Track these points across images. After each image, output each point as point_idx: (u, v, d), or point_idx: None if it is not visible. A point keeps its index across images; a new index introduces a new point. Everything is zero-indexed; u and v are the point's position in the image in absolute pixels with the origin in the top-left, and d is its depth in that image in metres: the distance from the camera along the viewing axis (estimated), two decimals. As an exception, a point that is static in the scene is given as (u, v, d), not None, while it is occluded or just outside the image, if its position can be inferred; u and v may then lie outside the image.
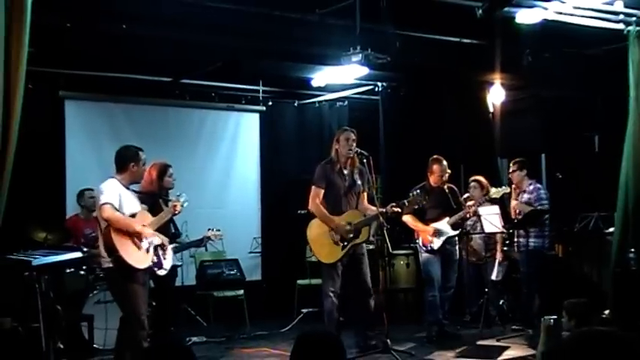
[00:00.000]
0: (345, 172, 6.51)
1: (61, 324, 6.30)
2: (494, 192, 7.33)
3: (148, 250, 5.38)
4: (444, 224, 7.12)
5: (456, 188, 7.42)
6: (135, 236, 5.27)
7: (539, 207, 7.40)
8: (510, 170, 7.67)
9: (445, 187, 7.21)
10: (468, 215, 7.23)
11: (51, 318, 5.70)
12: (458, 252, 7.33)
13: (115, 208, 5.19)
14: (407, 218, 7.15)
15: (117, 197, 5.24)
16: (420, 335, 7.19)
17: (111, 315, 6.42)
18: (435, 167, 7.15)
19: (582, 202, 8.25)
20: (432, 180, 7.17)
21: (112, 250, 5.15)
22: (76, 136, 8.21)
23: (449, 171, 7.20)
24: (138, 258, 5.26)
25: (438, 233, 7.08)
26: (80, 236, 7.16)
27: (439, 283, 7.10)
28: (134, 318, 5.23)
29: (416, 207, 6.87)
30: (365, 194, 6.61)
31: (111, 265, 5.25)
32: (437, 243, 7.08)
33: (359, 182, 6.54)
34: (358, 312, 6.58)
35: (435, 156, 7.24)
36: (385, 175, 9.02)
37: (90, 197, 7.24)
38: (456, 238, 7.27)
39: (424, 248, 7.16)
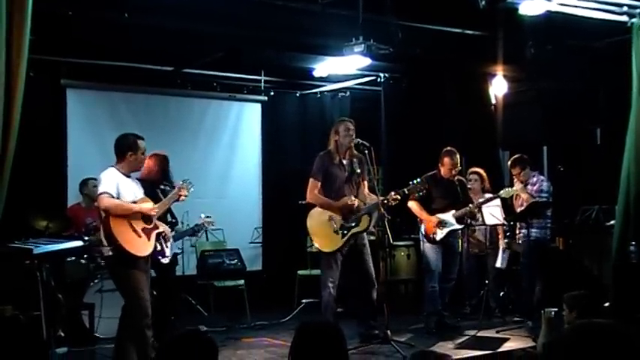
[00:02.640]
0: (345, 162, 6.50)
1: (61, 312, 6.34)
2: (504, 192, 7.32)
3: (149, 238, 5.38)
4: (449, 216, 7.09)
5: (465, 182, 7.39)
6: (135, 220, 5.27)
7: (537, 198, 7.41)
8: (515, 173, 7.65)
9: (455, 179, 7.18)
10: (471, 212, 7.20)
11: (52, 306, 5.72)
12: (460, 244, 7.31)
13: (113, 197, 5.20)
14: (412, 204, 7.11)
15: (114, 186, 5.25)
16: (420, 326, 7.20)
17: (112, 303, 6.43)
18: (446, 160, 7.12)
19: (583, 194, 8.24)
20: (443, 172, 7.15)
21: (111, 240, 5.16)
22: (78, 125, 8.21)
23: (459, 167, 7.18)
24: (138, 246, 5.27)
25: (442, 224, 7.06)
26: (81, 225, 7.16)
27: (439, 274, 7.09)
28: (136, 306, 5.24)
29: (416, 195, 6.85)
30: (365, 182, 6.60)
31: (109, 255, 5.25)
32: (440, 234, 7.06)
33: (358, 171, 6.52)
34: (361, 302, 6.58)
35: (448, 148, 7.18)
36: (386, 166, 9.02)
37: (94, 186, 7.23)
38: (459, 231, 7.25)
39: (426, 238, 7.15)
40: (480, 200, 7.36)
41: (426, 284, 7.15)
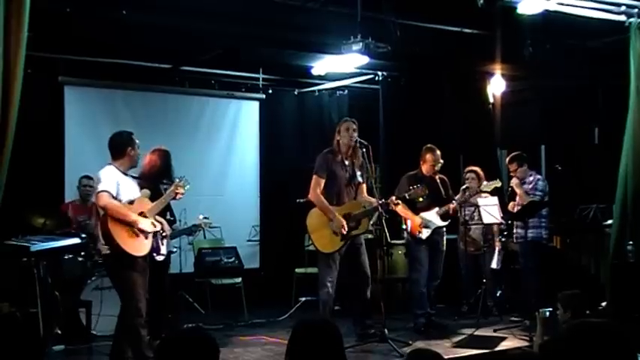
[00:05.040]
0: (347, 162, 6.51)
1: (58, 310, 6.33)
2: (485, 185, 7.31)
3: (146, 237, 5.37)
4: (433, 215, 7.07)
5: (447, 180, 7.33)
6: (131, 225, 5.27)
7: (531, 196, 7.42)
8: (512, 170, 7.64)
9: (437, 177, 7.15)
10: (450, 212, 7.17)
11: (49, 303, 5.72)
12: (445, 243, 7.27)
13: (113, 196, 5.17)
14: None
15: (114, 185, 5.21)
16: (410, 326, 7.18)
17: (109, 301, 6.44)
18: (428, 156, 7.10)
19: (581, 193, 8.26)
20: (425, 169, 7.12)
21: (109, 239, 5.14)
22: (76, 122, 8.19)
23: (441, 161, 7.11)
24: (135, 245, 5.25)
25: (426, 224, 7.06)
26: (73, 222, 7.16)
27: (427, 274, 7.10)
28: (131, 305, 5.21)
29: (416, 199, 6.86)
30: (364, 186, 6.60)
31: (106, 253, 5.23)
32: (425, 233, 7.04)
33: (359, 173, 6.54)
34: (355, 301, 6.59)
35: (428, 145, 7.17)
36: (384, 164, 9.02)
37: (84, 185, 7.25)
38: (444, 228, 7.24)
39: (412, 237, 7.15)
40: (467, 194, 7.33)
41: (414, 286, 7.14)
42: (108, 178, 5.21)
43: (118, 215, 5.16)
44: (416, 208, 7.10)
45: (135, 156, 5.44)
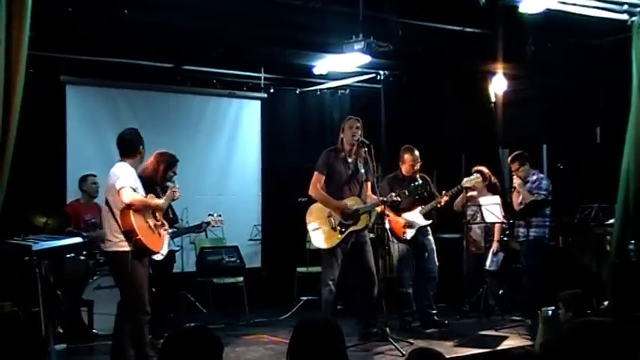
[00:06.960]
0: (350, 160, 6.52)
1: (60, 309, 6.34)
2: (466, 181, 7.30)
3: (160, 235, 5.44)
4: (416, 215, 7.08)
5: (428, 178, 7.34)
6: (148, 216, 5.34)
7: (535, 195, 7.41)
8: (514, 169, 7.63)
9: (417, 176, 7.13)
10: (439, 205, 7.17)
11: (51, 303, 5.72)
12: (433, 241, 7.27)
13: (135, 191, 5.22)
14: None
15: (134, 181, 5.27)
16: (416, 325, 7.18)
17: (111, 300, 6.41)
18: (407, 157, 7.11)
19: (583, 193, 8.24)
20: (404, 169, 7.13)
21: (132, 233, 5.16)
22: (77, 121, 8.19)
23: (420, 161, 7.14)
24: (153, 241, 5.32)
25: (410, 225, 7.06)
26: (80, 221, 7.16)
27: (412, 274, 7.11)
28: (138, 303, 5.24)
29: (416, 197, 6.88)
30: (369, 184, 6.61)
31: (118, 249, 5.23)
32: (409, 234, 7.06)
33: (362, 171, 6.54)
34: (362, 300, 6.58)
35: (406, 145, 7.20)
36: (386, 163, 9.01)
37: (92, 183, 7.26)
38: (429, 228, 7.22)
39: (396, 238, 7.14)
40: (471, 193, 7.31)
41: (397, 286, 7.14)
42: (127, 175, 5.24)
43: (144, 207, 5.24)
44: (398, 209, 7.10)
45: (143, 154, 5.48)
